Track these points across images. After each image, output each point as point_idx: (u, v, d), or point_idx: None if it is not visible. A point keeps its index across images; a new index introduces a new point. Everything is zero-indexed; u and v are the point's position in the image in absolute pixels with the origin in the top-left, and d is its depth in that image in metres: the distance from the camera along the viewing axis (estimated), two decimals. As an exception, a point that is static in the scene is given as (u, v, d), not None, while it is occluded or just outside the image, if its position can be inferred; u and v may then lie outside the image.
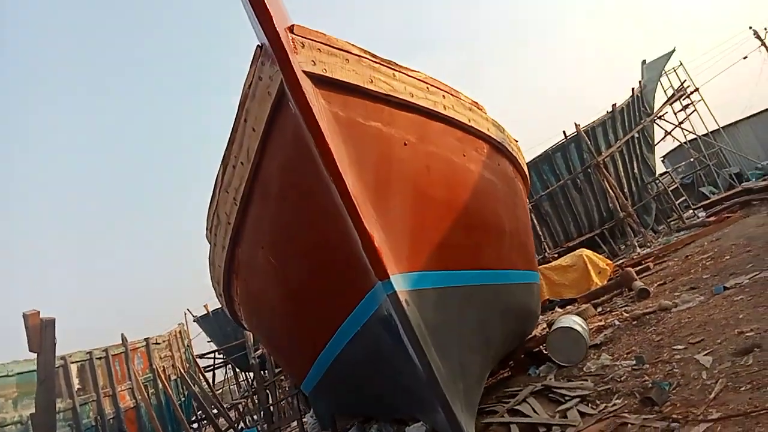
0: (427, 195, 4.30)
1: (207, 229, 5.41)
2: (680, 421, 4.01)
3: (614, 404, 4.90)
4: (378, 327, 3.97)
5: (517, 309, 5.99)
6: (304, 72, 3.57)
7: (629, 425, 4.34)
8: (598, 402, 5.13)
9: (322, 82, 3.71)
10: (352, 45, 4.05)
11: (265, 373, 11.98)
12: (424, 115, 4.46)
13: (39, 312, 5.09)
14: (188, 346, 16.17)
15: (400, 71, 4.32)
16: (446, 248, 4.37)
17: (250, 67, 3.87)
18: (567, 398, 5.41)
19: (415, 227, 4.12)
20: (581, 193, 16.22)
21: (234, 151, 4.27)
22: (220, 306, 20.50)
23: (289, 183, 4.03)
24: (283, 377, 11.83)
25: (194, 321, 20.73)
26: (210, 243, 5.49)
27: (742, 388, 4.03)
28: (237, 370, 21.00)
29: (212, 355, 19.96)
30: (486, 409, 5.74)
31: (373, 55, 4.17)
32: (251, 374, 20.93)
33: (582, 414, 4.99)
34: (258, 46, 3.75)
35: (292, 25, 3.62)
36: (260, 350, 11.77)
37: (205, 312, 20.79)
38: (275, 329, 5.56)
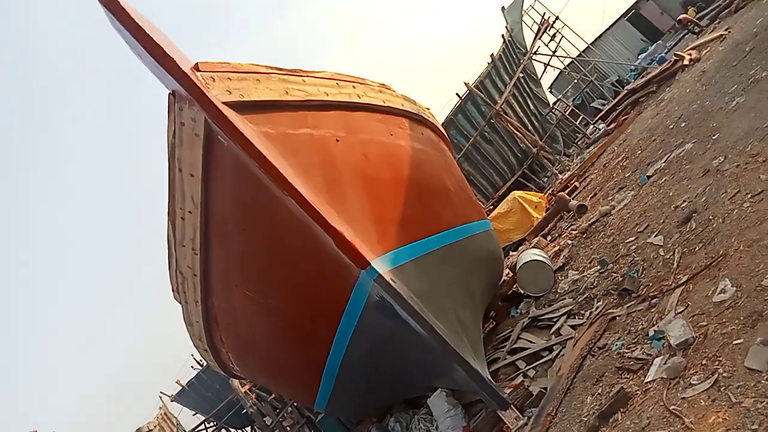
0: (375, 179, 4.48)
1: (173, 290, 5.30)
2: (658, 295, 4.44)
3: (597, 307, 5.31)
4: (374, 313, 4.11)
5: (485, 256, 6.31)
6: (223, 103, 3.63)
7: (617, 318, 4.74)
8: (582, 312, 5.52)
9: (242, 107, 3.78)
10: (257, 65, 4.14)
11: (265, 417, 11.75)
12: (343, 108, 4.62)
13: (37, 430, 4.78)
14: (178, 424, 15.51)
15: (307, 75, 4.46)
16: (408, 221, 4.57)
17: (169, 116, 3.87)
18: (554, 320, 5.78)
19: (375, 212, 4.29)
20: (492, 144, 16.95)
21: (178, 203, 4.24)
22: (193, 377, 19.82)
23: (245, 213, 4.07)
24: (284, 416, 11.66)
25: (172, 401, 19.82)
26: (180, 302, 5.39)
27: (696, 249, 4.51)
28: (232, 431, 20.31)
29: (203, 426, 19.20)
30: (488, 359, 6.00)
31: (279, 68, 4.28)
32: (249, 429, 20.35)
33: (573, 327, 5.37)
34: (170, 93, 3.76)
35: (196, 63, 3.66)
36: (251, 400, 11.52)
37: (180, 387, 19.92)
38: (273, 359, 5.55)
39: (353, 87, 4.83)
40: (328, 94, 4.44)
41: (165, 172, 4.12)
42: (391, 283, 3.95)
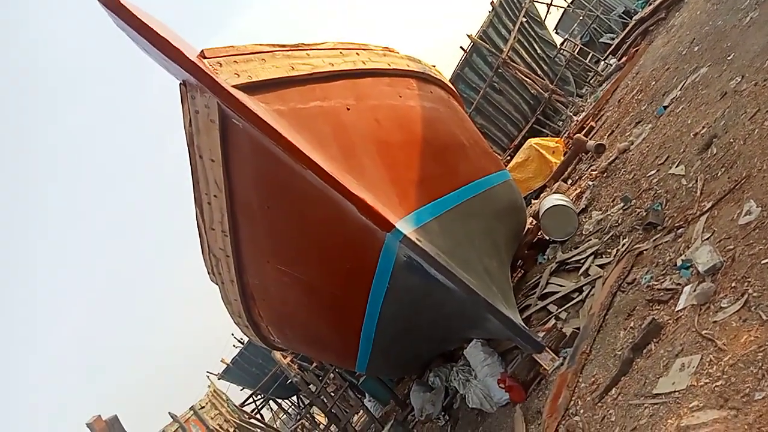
0: (389, 143, 4.52)
1: (209, 272, 5.48)
2: (683, 225, 4.45)
3: (623, 244, 5.33)
4: (403, 273, 4.22)
5: (507, 206, 6.35)
6: (233, 86, 3.69)
7: (644, 252, 4.77)
8: (609, 251, 5.55)
9: (252, 88, 3.83)
10: (260, 45, 4.16)
11: (309, 385, 12.17)
12: (350, 77, 4.63)
13: (100, 416, 5.10)
14: (228, 400, 16.15)
15: (311, 48, 4.47)
16: (426, 181, 4.62)
17: (183, 106, 3.94)
18: (582, 261, 5.83)
19: (393, 175, 4.35)
20: (503, 94, 16.67)
21: (203, 189, 4.35)
22: (236, 354, 20.48)
23: (267, 190, 4.17)
24: (327, 382, 12.04)
25: (219, 378, 20.58)
26: (217, 283, 5.58)
27: (719, 174, 4.47)
28: (279, 401, 21.06)
29: (251, 400, 19.96)
30: (519, 307, 6.10)
31: (282, 45, 4.30)
32: (294, 398, 21.08)
33: (601, 266, 5.41)
34: (180, 84, 3.82)
35: (202, 51, 3.71)
36: (294, 370, 11.91)
37: (225, 365, 20.65)
38: (310, 328, 5.74)
39: (357, 54, 4.82)
40: (333, 65, 4.45)
41: (186, 160, 4.23)
42: (417, 242, 4.04)
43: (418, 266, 4.08)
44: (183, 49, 3.52)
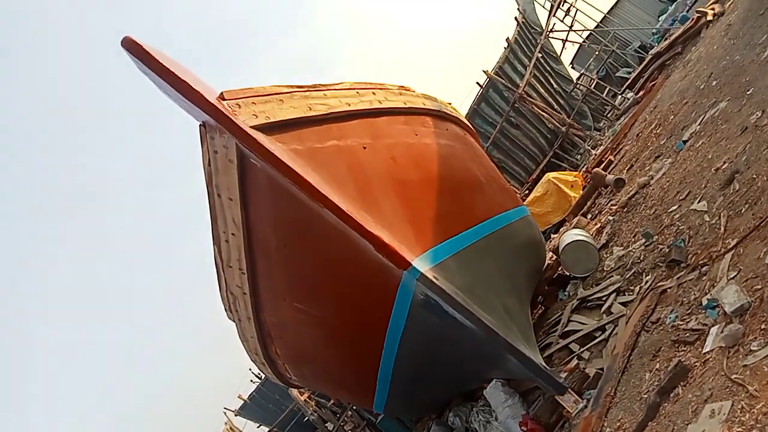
0: (405, 181, 4.53)
1: (226, 309, 5.48)
2: (707, 263, 4.33)
3: (646, 282, 5.20)
4: (421, 311, 4.16)
5: (525, 242, 6.27)
6: (251, 127, 3.75)
7: (668, 290, 4.64)
8: (631, 288, 5.42)
9: (270, 128, 3.89)
10: (278, 86, 4.25)
11: (327, 423, 11.96)
12: (366, 116, 4.69)
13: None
14: (244, 438, 15.95)
15: (328, 89, 4.55)
16: (443, 218, 4.60)
17: (202, 146, 4.01)
18: (604, 298, 5.70)
19: (410, 213, 4.34)
20: (520, 128, 16.73)
21: (221, 227, 4.39)
22: (253, 390, 20.28)
23: (284, 228, 4.19)
24: (344, 420, 11.83)
25: (236, 415, 20.38)
26: (234, 320, 5.57)
27: (743, 210, 4.37)
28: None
29: (268, 438, 19.71)
30: (540, 345, 5.96)
31: (299, 86, 4.38)
32: (312, 435, 20.72)
33: (624, 304, 5.28)
34: (200, 125, 3.90)
35: (221, 93, 3.79)
36: (312, 407, 11.75)
37: (242, 402, 20.48)
38: (327, 366, 5.67)
39: (373, 93, 4.89)
40: (350, 104, 4.51)
41: (205, 199, 4.27)
42: (434, 280, 3.99)
43: (435, 304, 4.02)
44: (203, 91, 3.60)
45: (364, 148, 4.41)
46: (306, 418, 12.53)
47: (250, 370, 20.85)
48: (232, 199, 4.11)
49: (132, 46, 3.32)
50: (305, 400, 11.50)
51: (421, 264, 4.02)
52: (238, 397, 20.55)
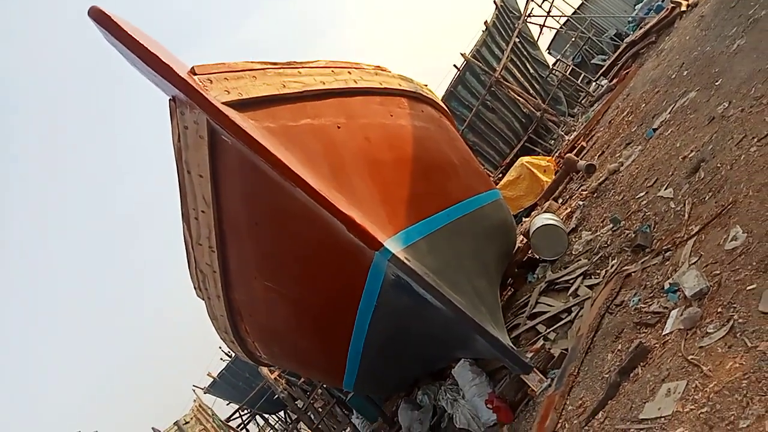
0: (378, 161, 4.52)
1: (195, 288, 5.42)
2: (671, 248, 4.46)
3: (612, 265, 5.34)
4: (391, 292, 4.20)
5: (496, 226, 6.35)
6: (223, 103, 3.68)
7: (633, 274, 4.78)
8: (598, 271, 5.56)
9: (242, 105, 3.83)
10: (252, 62, 4.17)
11: (296, 401, 12.04)
12: (341, 95, 4.64)
13: (80, 433, 4.96)
14: (214, 415, 15.94)
15: (302, 66, 4.48)
16: (416, 199, 4.62)
17: (172, 122, 3.92)
18: (571, 281, 5.83)
19: (383, 194, 4.34)
20: (495, 112, 16.80)
21: (190, 204, 4.32)
22: (223, 368, 20.25)
23: (256, 206, 4.15)
24: (314, 398, 11.92)
25: (205, 393, 20.35)
26: (203, 298, 5.52)
27: (706, 198, 4.50)
28: (266, 416, 20.85)
29: (237, 415, 19.75)
30: (508, 326, 6.08)
31: (274, 63, 4.30)
32: (281, 413, 20.85)
33: (590, 287, 5.41)
34: (170, 99, 3.81)
35: (192, 67, 3.71)
36: (282, 385, 11.79)
37: (212, 379, 20.43)
38: (297, 345, 5.69)
39: (349, 73, 4.84)
40: (324, 83, 4.46)
41: (174, 176, 4.20)
42: (405, 261, 4.02)
43: (407, 285, 4.06)
44: (173, 65, 3.51)
45: (338, 127, 4.38)
46: (276, 396, 12.60)
47: (219, 348, 20.80)
48: (202, 176, 4.04)
49: (99, 16, 3.20)
50: (275, 378, 11.53)
51: (393, 245, 4.04)
52: (208, 374, 20.49)
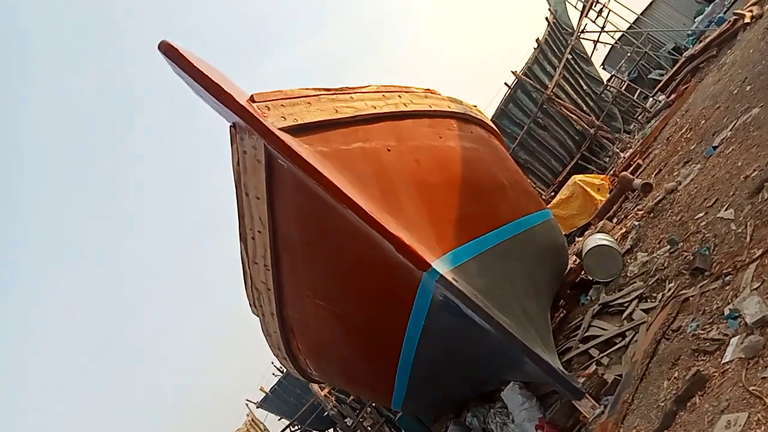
0: (428, 183, 4.60)
1: (250, 304, 5.64)
2: (731, 272, 4.30)
3: (669, 289, 5.17)
4: (439, 313, 4.24)
5: (547, 246, 6.29)
6: (280, 129, 3.87)
7: (690, 298, 4.62)
8: (654, 295, 5.40)
9: (297, 130, 4.01)
10: (306, 89, 4.36)
11: (346, 419, 12.12)
12: (392, 119, 4.77)
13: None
14: (266, 429, 16.24)
15: (354, 92, 4.64)
16: (465, 220, 4.66)
17: (232, 147, 4.15)
18: (626, 304, 5.68)
19: (432, 215, 4.41)
20: (548, 130, 16.60)
21: (248, 225, 4.53)
22: (275, 383, 20.55)
23: (309, 227, 4.30)
24: (364, 416, 11.96)
25: (258, 407, 20.73)
26: (258, 315, 5.72)
27: (769, 221, 4.32)
28: (316, 432, 20.99)
29: (288, 430, 19.97)
30: (560, 349, 5.97)
31: (327, 89, 4.48)
32: (331, 430, 20.93)
33: (645, 311, 5.26)
34: (231, 126, 4.04)
35: (251, 95, 3.92)
36: (331, 403, 11.91)
37: (264, 394, 20.80)
38: (347, 363, 5.79)
39: (399, 96, 4.97)
40: (375, 107, 4.60)
41: (233, 198, 4.42)
42: (453, 282, 4.06)
43: (455, 306, 4.09)
44: (234, 93, 3.73)
45: (389, 150, 4.49)
46: (326, 413, 12.72)
47: (272, 363, 21.19)
48: (259, 197, 4.24)
49: (168, 50, 3.46)
50: (325, 395, 11.67)
51: (441, 266, 4.09)
52: (260, 389, 20.86)
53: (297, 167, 3.87)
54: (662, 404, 3.65)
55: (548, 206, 12.30)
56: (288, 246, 4.53)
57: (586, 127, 16.19)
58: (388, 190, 4.27)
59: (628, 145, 14.97)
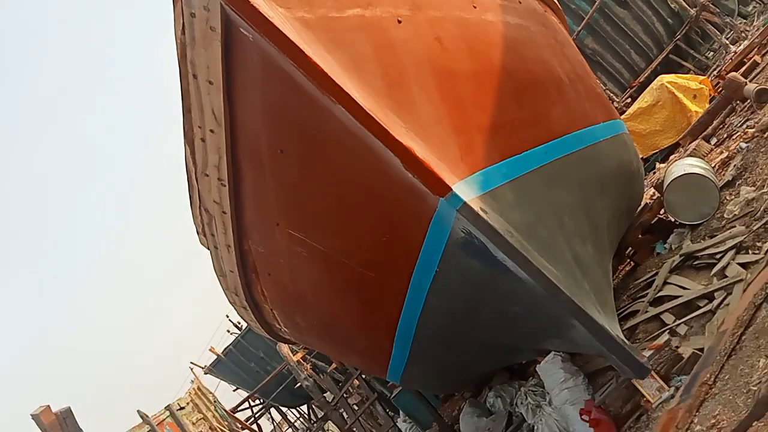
0: (452, 72, 4.52)
1: (198, 232, 5.69)
2: None
3: (779, 238, 5.23)
4: (459, 255, 4.28)
5: (615, 171, 6.28)
6: None
7: (807, 251, 4.67)
8: (758, 245, 5.46)
9: None
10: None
11: (325, 393, 12.54)
12: None
13: (49, 406, 5.43)
14: (216, 401, 16.86)
15: None
16: (502, 128, 4.62)
17: (175, 7, 4.03)
18: (718, 256, 5.76)
19: (456, 118, 4.37)
20: (629, 8, 16.20)
21: (196, 121, 4.49)
22: (230, 343, 21.04)
23: (282, 128, 4.27)
24: (349, 391, 12.38)
25: (206, 373, 21.32)
26: (209, 247, 5.79)
27: None
28: (284, 409, 21.72)
29: (247, 405, 20.62)
30: (622, 312, 6.11)
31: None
32: (304, 407, 21.73)
33: (744, 265, 5.33)
34: (173, -23, 3.92)
35: None
36: (306, 371, 12.27)
37: (216, 357, 21.30)
38: (330, 317, 5.89)
39: None
40: (383, -44, 4.45)
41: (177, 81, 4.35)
42: (481, 213, 4.07)
43: (480, 246, 4.12)
44: None
45: (399, 21, 4.39)
46: (298, 384, 13.13)
47: (227, 317, 21.68)
48: (212, 82, 4.17)
49: None
50: (298, 361, 12.02)
51: (466, 190, 4.08)
52: (211, 350, 21.26)
53: (267, 40, 3.79)
54: (755, 389, 3.75)
55: (623, 117, 12.24)
56: (252, 153, 4.51)
57: (685, 5, 15.77)
58: (396, 81, 4.20)
59: (743, 35, 14.66)
